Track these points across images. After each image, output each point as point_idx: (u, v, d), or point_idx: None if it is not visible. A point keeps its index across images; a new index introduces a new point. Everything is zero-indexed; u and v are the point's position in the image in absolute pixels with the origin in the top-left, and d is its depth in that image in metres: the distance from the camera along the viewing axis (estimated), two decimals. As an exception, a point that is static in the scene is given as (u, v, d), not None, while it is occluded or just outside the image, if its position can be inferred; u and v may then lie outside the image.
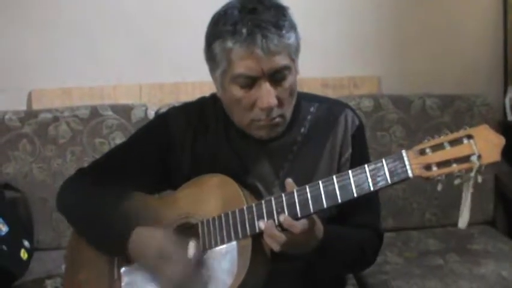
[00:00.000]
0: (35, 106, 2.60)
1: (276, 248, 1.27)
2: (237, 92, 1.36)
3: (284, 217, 1.26)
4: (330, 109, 1.51)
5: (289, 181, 1.30)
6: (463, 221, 1.14)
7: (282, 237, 1.25)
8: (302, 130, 1.48)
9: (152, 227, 1.42)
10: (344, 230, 1.44)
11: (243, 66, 1.32)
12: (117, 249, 1.43)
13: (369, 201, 1.47)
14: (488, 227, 2.50)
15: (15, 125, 2.44)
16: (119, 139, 2.40)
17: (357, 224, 1.47)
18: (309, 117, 1.49)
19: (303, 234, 1.26)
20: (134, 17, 2.64)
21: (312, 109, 1.51)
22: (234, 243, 1.35)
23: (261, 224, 1.29)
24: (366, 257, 1.51)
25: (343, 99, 2.50)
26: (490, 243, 2.33)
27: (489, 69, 2.83)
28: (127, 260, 1.44)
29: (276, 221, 1.28)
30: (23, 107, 2.62)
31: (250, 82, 1.34)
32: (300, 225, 1.25)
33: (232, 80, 1.35)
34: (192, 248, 1.37)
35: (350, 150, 1.48)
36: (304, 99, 1.52)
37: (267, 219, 1.30)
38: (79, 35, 2.63)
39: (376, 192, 1.49)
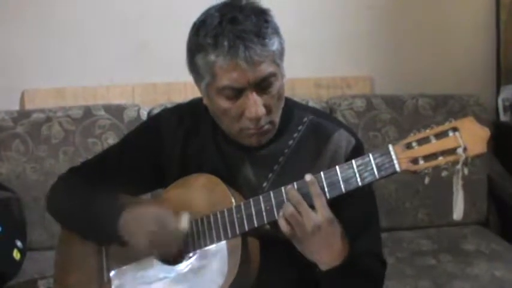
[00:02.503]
0: (28, 106, 2.60)
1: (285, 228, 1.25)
2: (223, 103, 1.32)
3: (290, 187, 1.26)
4: (324, 125, 1.44)
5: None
6: (458, 212, 1.13)
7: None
8: (290, 142, 1.43)
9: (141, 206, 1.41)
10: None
11: (227, 79, 1.28)
12: (108, 233, 1.39)
13: (368, 227, 1.42)
14: (481, 227, 2.50)
15: (8, 125, 2.44)
16: (111, 139, 2.40)
17: (358, 252, 1.34)
18: (300, 127, 1.44)
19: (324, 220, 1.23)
20: (127, 17, 2.65)
21: (305, 119, 1.45)
22: (223, 242, 1.34)
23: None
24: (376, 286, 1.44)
25: (336, 99, 2.56)
26: (483, 243, 2.33)
27: (482, 69, 2.84)
28: (121, 244, 1.40)
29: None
30: (16, 107, 2.62)
31: (237, 93, 1.30)
32: (308, 208, 1.23)
33: (218, 92, 1.32)
34: (185, 219, 1.36)
35: None
36: (298, 108, 1.48)
37: (256, 217, 1.29)
38: (72, 35, 2.63)
39: (376, 216, 1.45)
